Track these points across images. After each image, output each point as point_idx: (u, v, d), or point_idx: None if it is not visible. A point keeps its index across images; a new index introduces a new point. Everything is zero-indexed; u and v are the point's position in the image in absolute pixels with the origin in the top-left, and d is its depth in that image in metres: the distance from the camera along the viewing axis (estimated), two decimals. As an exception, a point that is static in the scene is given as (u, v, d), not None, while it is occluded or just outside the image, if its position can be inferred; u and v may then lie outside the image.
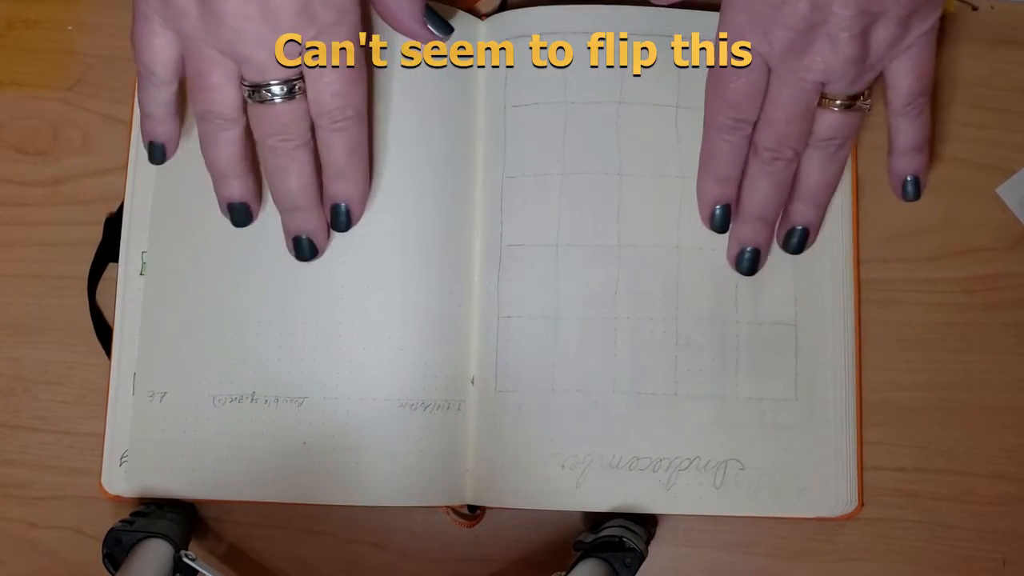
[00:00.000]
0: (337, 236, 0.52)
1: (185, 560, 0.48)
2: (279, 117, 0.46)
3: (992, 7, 0.55)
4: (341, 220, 0.49)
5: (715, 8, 0.54)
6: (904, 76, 0.46)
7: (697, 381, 0.51)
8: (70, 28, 0.56)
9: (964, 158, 0.54)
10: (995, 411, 0.53)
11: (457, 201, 0.52)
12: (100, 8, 0.56)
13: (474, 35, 0.54)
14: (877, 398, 0.53)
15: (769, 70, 0.46)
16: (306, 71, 0.45)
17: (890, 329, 0.53)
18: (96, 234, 0.54)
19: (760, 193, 0.49)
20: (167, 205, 0.53)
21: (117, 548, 0.47)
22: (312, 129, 0.47)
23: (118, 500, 0.51)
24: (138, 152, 0.54)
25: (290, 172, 0.47)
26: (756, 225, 0.50)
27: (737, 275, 0.52)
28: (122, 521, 0.49)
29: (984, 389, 0.53)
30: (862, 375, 0.52)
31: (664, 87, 0.53)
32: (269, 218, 0.53)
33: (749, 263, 0.50)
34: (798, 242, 0.50)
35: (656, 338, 0.52)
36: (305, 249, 0.50)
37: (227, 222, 0.52)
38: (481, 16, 0.55)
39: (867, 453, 0.52)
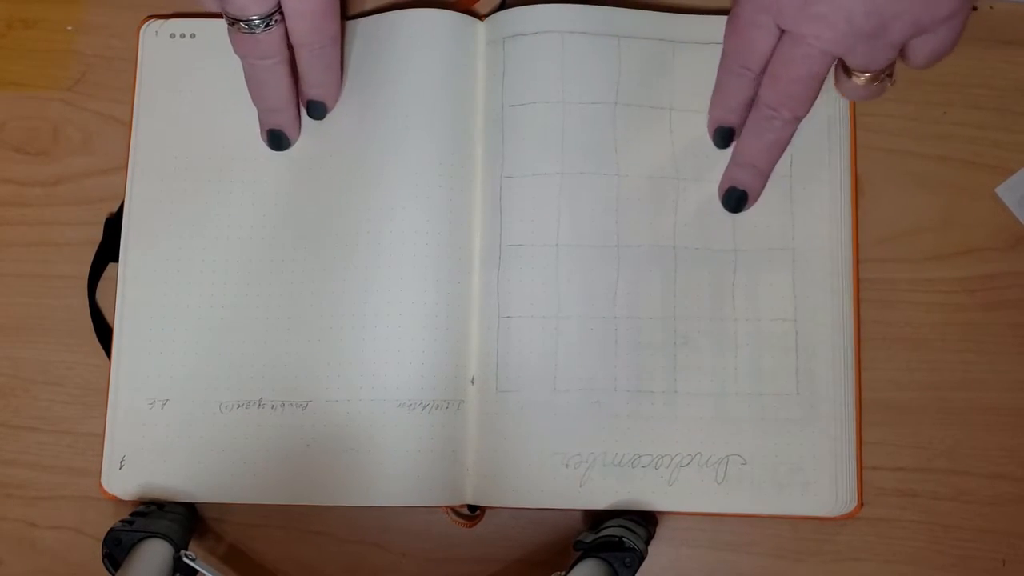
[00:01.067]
0: (337, 240, 0.52)
1: (185, 560, 0.48)
2: (259, 43, 0.48)
3: (992, 7, 0.55)
4: (317, 113, 0.53)
5: (711, 13, 0.54)
6: (920, 56, 0.46)
7: (697, 378, 0.51)
8: (70, 28, 0.56)
9: (964, 158, 0.54)
10: (995, 411, 0.53)
11: (456, 201, 0.52)
12: (100, 8, 0.56)
13: (473, 36, 0.54)
14: (877, 398, 0.53)
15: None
16: (283, 5, 0.47)
17: (890, 329, 0.53)
18: (96, 234, 0.54)
19: (756, 144, 0.50)
20: (166, 213, 0.53)
21: (117, 548, 0.47)
22: (290, 46, 0.49)
23: (118, 500, 0.51)
24: (138, 152, 0.54)
25: (269, 84, 0.51)
26: (749, 171, 0.51)
27: (735, 274, 0.52)
28: (122, 521, 0.49)
29: (984, 389, 0.53)
30: (862, 375, 0.52)
31: (658, 89, 0.53)
32: (269, 225, 0.53)
33: (735, 202, 0.52)
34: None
35: (655, 337, 0.52)
36: (279, 140, 0.53)
37: (227, 229, 0.53)
38: (480, 17, 0.55)
39: (867, 453, 0.52)
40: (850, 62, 0.47)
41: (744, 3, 0.47)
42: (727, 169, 0.52)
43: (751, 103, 0.50)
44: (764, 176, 0.52)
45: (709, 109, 0.53)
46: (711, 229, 0.52)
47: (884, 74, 0.48)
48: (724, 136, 0.52)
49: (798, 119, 0.48)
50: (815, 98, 0.47)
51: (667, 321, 0.52)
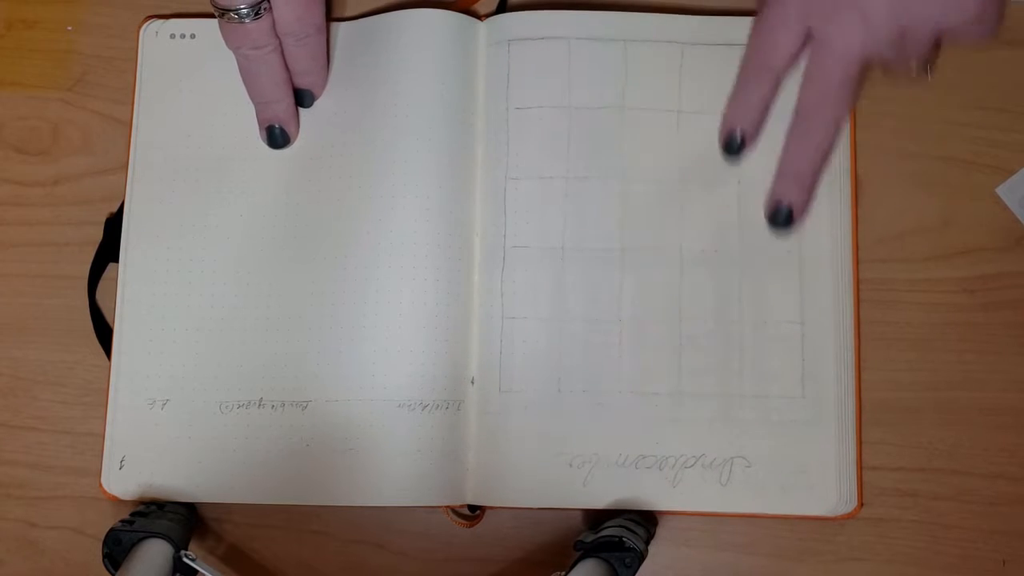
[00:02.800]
0: (336, 240, 0.52)
1: (185, 560, 0.48)
2: (249, 33, 0.49)
3: (992, 7, 0.55)
4: (305, 101, 0.54)
5: (716, 14, 0.54)
6: (958, 43, 0.46)
7: (701, 380, 0.51)
8: (70, 28, 0.56)
9: (964, 158, 0.54)
10: (995, 411, 0.53)
11: (456, 202, 0.52)
12: (100, 8, 0.56)
13: (473, 36, 0.54)
14: (877, 398, 0.53)
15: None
16: None
17: (890, 329, 0.53)
18: (96, 234, 0.54)
19: (798, 152, 0.49)
20: (166, 213, 0.53)
21: (117, 548, 0.47)
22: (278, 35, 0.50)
23: (118, 500, 0.51)
24: (138, 152, 0.54)
25: (262, 74, 0.51)
26: (793, 183, 0.50)
27: (741, 276, 0.52)
28: (122, 521, 0.49)
29: (984, 389, 0.53)
30: (862, 375, 0.52)
31: (666, 92, 0.53)
32: (269, 226, 0.53)
33: (783, 220, 0.50)
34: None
35: (660, 339, 0.52)
36: (277, 137, 0.53)
37: (227, 229, 0.53)
38: (480, 17, 0.55)
39: (867, 453, 0.52)
40: (881, 62, 0.47)
41: (772, 4, 0.46)
42: (771, 188, 0.50)
43: (767, 109, 0.49)
44: (810, 188, 0.49)
45: (724, 114, 0.51)
46: (718, 232, 0.52)
47: (921, 67, 0.48)
48: (737, 144, 0.51)
49: (838, 121, 0.47)
50: (854, 100, 0.47)
51: (672, 323, 0.52)
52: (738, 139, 0.51)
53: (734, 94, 0.51)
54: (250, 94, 0.52)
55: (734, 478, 0.51)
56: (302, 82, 0.53)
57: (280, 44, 0.50)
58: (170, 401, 0.52)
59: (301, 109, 0.53)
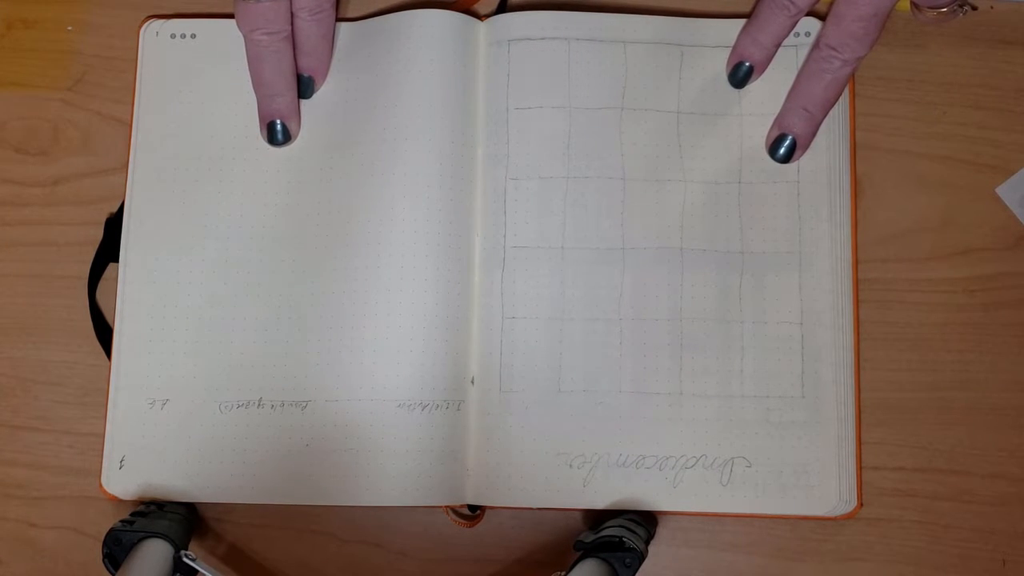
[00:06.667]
0: (336, 240, 0.52)
1: (185, 560, 0.48)
2: (264, 13, 0.49)
3: (992, 7, 0.55)
4: (307, 91, 0.54)
5: (715, 16, 0.54)
6: None
7: (702, 380, 0.51)
8: (70, 28, 0.56)
9: (964, 158, 0.54)
10: (995, 411, 0.53)
11: (456, 201, 0.52)
12: (100, 8, 0.56)
13: (473, 36, 0.54)
14: (877, 398, 0.53)
15: None
16: None
17: (890, 329, 0.53)
18: (96, 234, 0.54)
19: (812, 87, 0.51)
20: (166, 213, 0.53)
21: (117, 548, 0.47)
22: (291, 20, 0.50)
23: (118, 500, 0.52)
24: (138, 152, 0.54)
25: (271, 61, 0.51)
26: (802, 116, 0.51)
27: (741, 277, 0.52)
28: (122, 521, 0.49)
29: (984, 389, 0.53)
30: (861, 375, 0.52)
31: (665, 93, 0.53)
32: (269, 225, 0.53)
33: (785, 151, 0.52)
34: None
35: (661, 339, 0.52)
36: (278, 134, 0.53)
37: (227, 229, 0.53)
38: (480, 17, 0.55)
39: (867, 453, 0.52)
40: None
41: None
42: (777, 117, 0.52)
43: (778, 46, 0.50)
44: (816, 123, 0.52)
45: (735, 43, 0.52)
46: (718, 231, 0.52)
47: (956, 5, 0.48)
48: (743, 74, 0.52)
49: (859, 60, 0.49)
50: (878, 37, 0.48)
51: (673, 323, 0.52)
52: (744, 69, 0.51)
53: (748, 25, 0.52)
54: (255, 84, 0.52)
55: (734, 478, 0.51)
56: (307, 64, 0.53)
57: (291, 32, 0.50)
58: (170, 401, 0.52)
59: (302, 110, 0.53)
